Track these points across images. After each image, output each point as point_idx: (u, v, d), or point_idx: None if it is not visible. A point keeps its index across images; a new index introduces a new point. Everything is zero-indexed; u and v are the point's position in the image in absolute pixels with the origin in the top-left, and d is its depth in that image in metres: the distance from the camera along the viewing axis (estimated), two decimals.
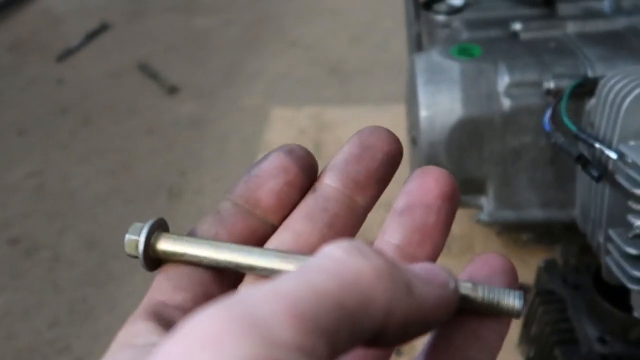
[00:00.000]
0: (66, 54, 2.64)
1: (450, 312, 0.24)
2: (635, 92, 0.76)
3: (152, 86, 2.39)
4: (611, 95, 0.79)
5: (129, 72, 2.50)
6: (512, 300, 0.28)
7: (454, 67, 0.99)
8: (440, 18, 1.14)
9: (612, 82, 0.80)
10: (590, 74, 0.95)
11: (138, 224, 0.31)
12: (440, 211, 0.31)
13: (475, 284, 0.28)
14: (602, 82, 0.83)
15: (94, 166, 1.99)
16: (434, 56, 1.01)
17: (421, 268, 0.24)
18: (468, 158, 1.00)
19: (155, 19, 2.94)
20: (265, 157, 0.32)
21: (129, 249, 0.31)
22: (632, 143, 0.76)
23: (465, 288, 0.28)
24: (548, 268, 1.04)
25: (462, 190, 1.03)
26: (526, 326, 1.05)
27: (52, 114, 2.28)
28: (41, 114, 2.28)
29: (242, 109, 2.21)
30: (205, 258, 0.30)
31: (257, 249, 0.31)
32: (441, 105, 0.97)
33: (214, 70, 2.48)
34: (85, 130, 2.18)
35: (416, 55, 1.05)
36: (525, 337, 1.05)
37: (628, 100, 0.76)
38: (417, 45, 1.21)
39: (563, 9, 1.11)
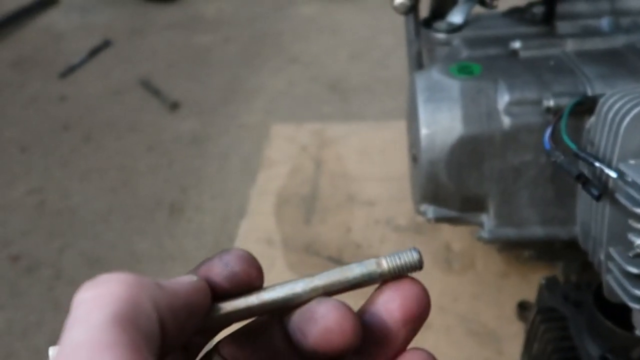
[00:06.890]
0: (68, 71, 2.65)
1: (205, 295, 0.29)
2: (635, 111, 0.76)
3: (154, 103, 2.40)
4: (611, 114, 0.79)
5: (131, 89, 2.51)
6: (413, 257, 0.32)
7: (454, 86, 0.99)
8: (440, 36, 1.15)
9: (611, 100, 0.81)
10: (589, 92, 0.95)
11: None
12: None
13: (378, 258, 0.32)
14: (601, 100, 0.83)
15: (95, 183, 1.99)
16: (434, 74, 1.02)
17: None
18: (468, 176, 1.00)
19: (157, 36, 2.96)
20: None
21: None
22: (632, 162, 0.76)
23: (371, 265, 0.32)
24: (549, 285, 1.04)
25: (463, 208, 1.03)
26: (528, 344, 1.04)
27: (53, 131, 2.28)
28: (43, 131, 2.29)
29: (242, 125, 2.22)
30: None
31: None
32: (441, 123, 0.98)
33: (214, 87, 2.49)
34: (87, 147, 2.19)
35: (416, 73, 1.06)
36: (527, 356, 1.04)
37: (628, 119, 0.76)
38: (417, 63, 1.21)
39: (562, 27, 1.12)
